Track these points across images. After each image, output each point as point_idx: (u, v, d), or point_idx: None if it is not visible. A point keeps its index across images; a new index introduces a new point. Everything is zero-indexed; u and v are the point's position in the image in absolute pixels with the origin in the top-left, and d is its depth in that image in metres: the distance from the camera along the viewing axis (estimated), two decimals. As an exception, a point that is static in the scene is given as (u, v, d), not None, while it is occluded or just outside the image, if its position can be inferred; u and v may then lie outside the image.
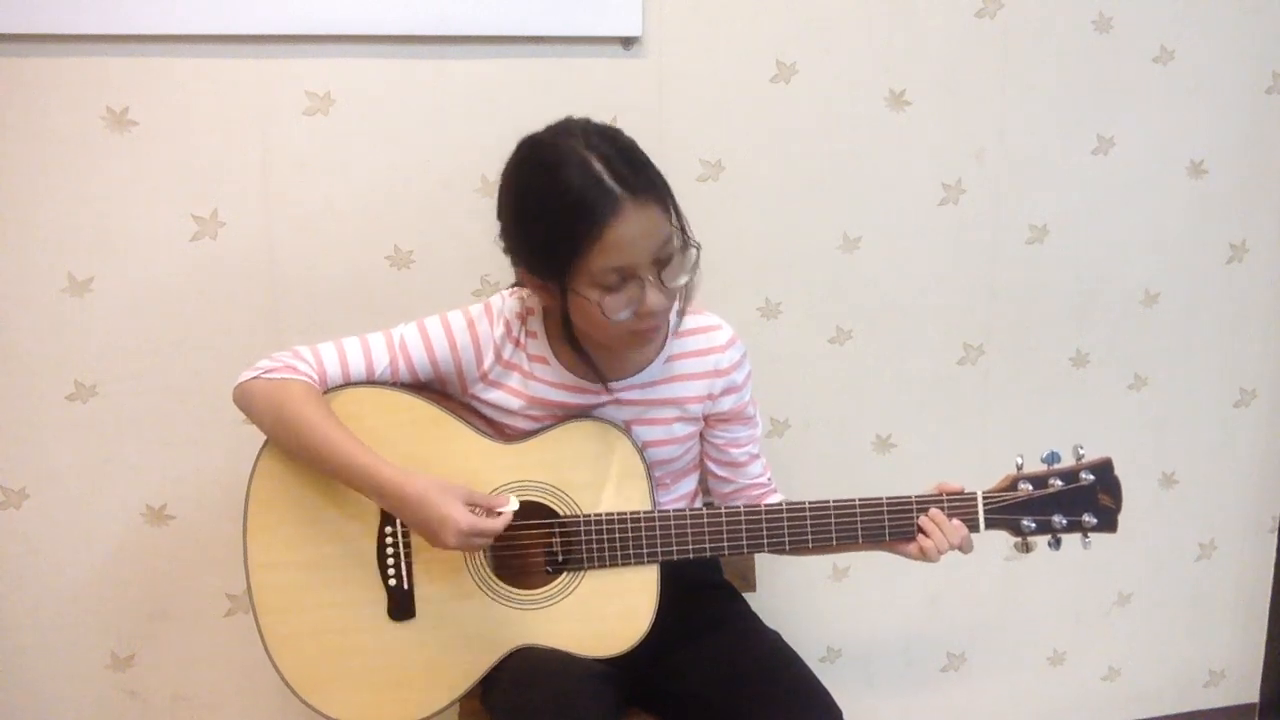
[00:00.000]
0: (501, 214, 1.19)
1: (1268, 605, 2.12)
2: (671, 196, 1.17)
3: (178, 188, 1.52)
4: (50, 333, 1.52)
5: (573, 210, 1.10)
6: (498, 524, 1.18)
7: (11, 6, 1.39)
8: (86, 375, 1.54)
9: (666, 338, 1.31)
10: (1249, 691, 2.17)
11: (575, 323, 1.19)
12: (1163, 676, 2.12)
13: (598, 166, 1.11)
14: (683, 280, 1.19)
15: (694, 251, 1.18)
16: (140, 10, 1.43)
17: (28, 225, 1.48)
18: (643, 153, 1.16)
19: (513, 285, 1.33)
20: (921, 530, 1.26)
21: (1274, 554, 2.10)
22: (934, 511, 1.26)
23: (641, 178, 1.12)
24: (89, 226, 1.50)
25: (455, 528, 1.14)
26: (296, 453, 1.22)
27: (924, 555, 1.26)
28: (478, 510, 1.18)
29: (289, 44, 1.51)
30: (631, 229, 1.11)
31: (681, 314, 1.28)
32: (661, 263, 1.16)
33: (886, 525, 1.27)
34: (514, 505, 1.21)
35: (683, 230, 1.18)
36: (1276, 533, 2.09)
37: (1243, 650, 2.15)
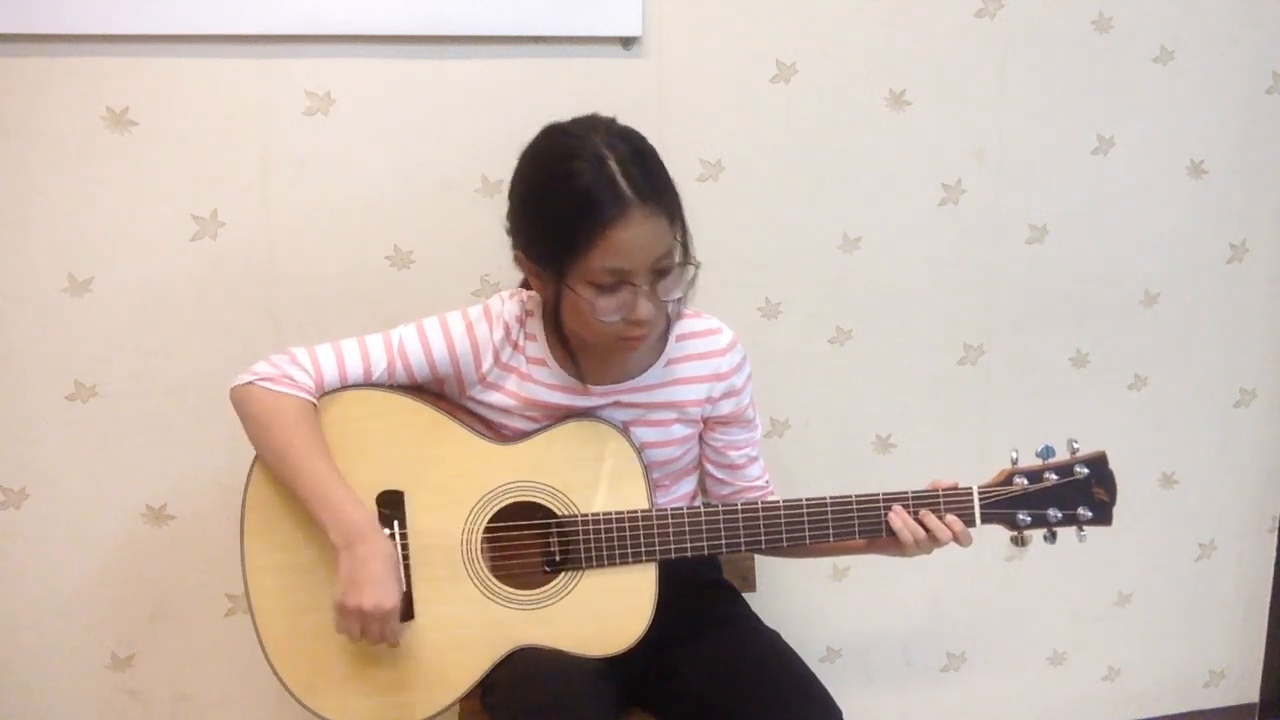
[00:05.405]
0: (512, 195, 1.20)
1: (1268, 605, 2.12)
2: (680, 210, 1.17)
3: (178, 188, 1.51)
4: (50, 333, 1.52)
5: (579, 205, 1.10)
6: (390, 633, 1.18)
7: (11, 6, 1.39)
8: (86, 375, 1.54)
9: (668, 344, 1.31)
10: (1249, 691, 2.17)
11: (565, 318, 1.20)
12: (1163, 676, 2.12)
13: (612, 165, 1.11)
14: (676, 295, 1.20)
15: (692, 269, 1.19)
16: (140, 10, 1.43)
17: (28, 225, 1.48)
18: (659, 160, 1.16)
19: (515, 289, 1.33)
20: (891, 529, 1.27)
21: (1274, 554, 2.10)
22: (897, 509, 1.26)
23: (653, 186, 1.12)
24: (89, 226, 1.50)
25: (378, 599, 1.14)
26: (274, 470, 1.22)
27: (903, 550, 1.27)
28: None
29: (289, 44, 1.51)
30: (634, 234, 1.11)
31: (669, 328, 1.30)
32: (659, 273, 1.16)
33: (882, 521, 1.27)
34: (395, 641, 1.20)
35: (685, 246, 1.18)
36: (1276, 533, 2.09)
37: (1243, 650, 2.15)
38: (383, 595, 1.15)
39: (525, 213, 1.18)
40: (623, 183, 1.10)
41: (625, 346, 1.22)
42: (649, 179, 1.12)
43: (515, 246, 1.21)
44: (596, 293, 1.14)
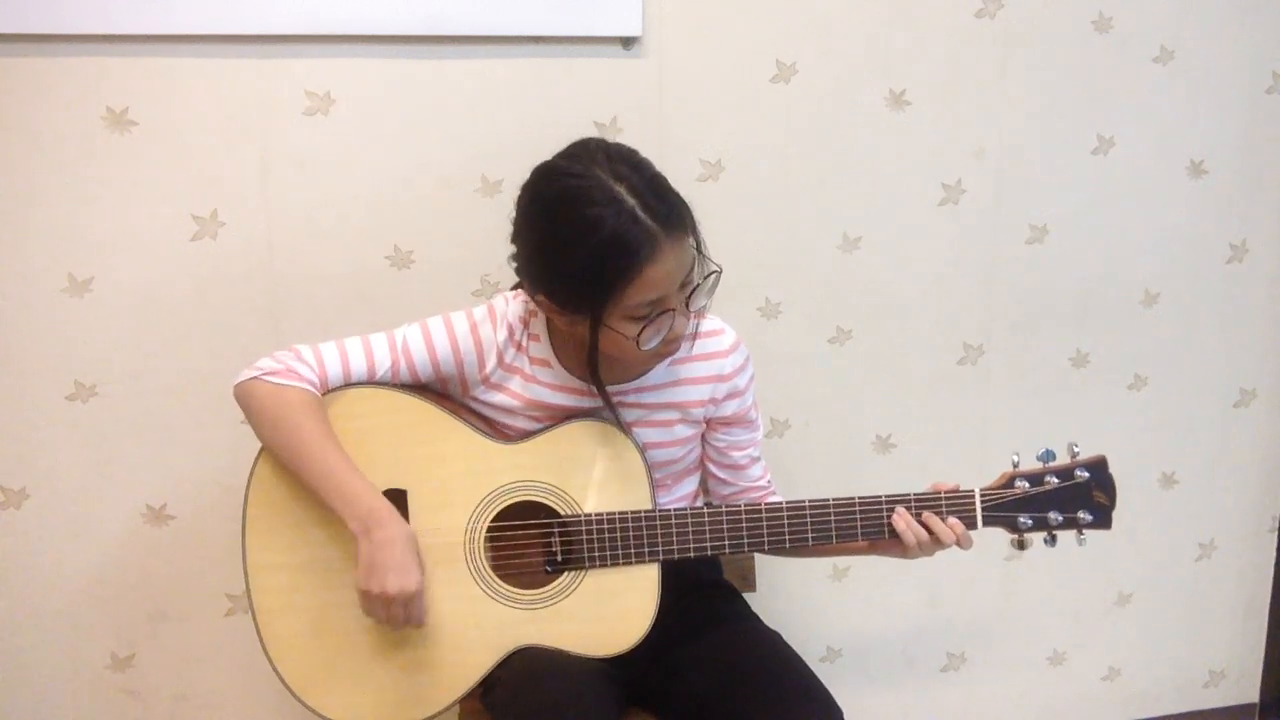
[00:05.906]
0: (519, 240, 1.18)
1: (1268, 605, 2.12)
2: (693, 220, 1.16)
3: (177, 188, 1.51)
4: (50, 333, 1.52)
5: (609, 252, 1.09)
6: (415, 615, 1.19)
7: (11, 6, 1.39)
8: (86, 375, 1.54)
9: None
10: (1249, 691, 2.17)
11: (604, 350, 1.18)
12: (1163, 676, 2.12)
13: (630, 201, 1.09)
14: (704, 302, 1.21)
15: (714, 277, 1.19)
16: (140, 10, 1.43)
17: (28, 225, 1.48)
18: (664, 178, 1.15)
19: (515, 286, 1.33)
20: (895, 531, 1.27)
21: (1274, 554, 2.10)
22: (900, 510, 1.27)
23: (674, 211, 1.12)
24: (89, 226, 1.50)
25: (401, 583, 1.15)
26: (286, 462, 1.21)
27: (905, 552, 1.28)
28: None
29: (289, 44, 1.51)
30: (666, 266, 1.12)
31: (695, 331, 1.30)
32: (687, 288, 1.17)
33: (885, 523, 1.27)
34: (421, 622, 1.21)
35: (701, 253, 1.18)
36: (1276, 533, 2.09)
37: (1243, 650, 2.15)
38: (405, 579, 1.15)
39: (546, 262, 1.16)
40: (646, 219, 1.09)
41: (660, 360, 1.26)
42: (666, 205, 1.12)
43: (536, 292, 1.19)
44: (636, 325, 1.15)
